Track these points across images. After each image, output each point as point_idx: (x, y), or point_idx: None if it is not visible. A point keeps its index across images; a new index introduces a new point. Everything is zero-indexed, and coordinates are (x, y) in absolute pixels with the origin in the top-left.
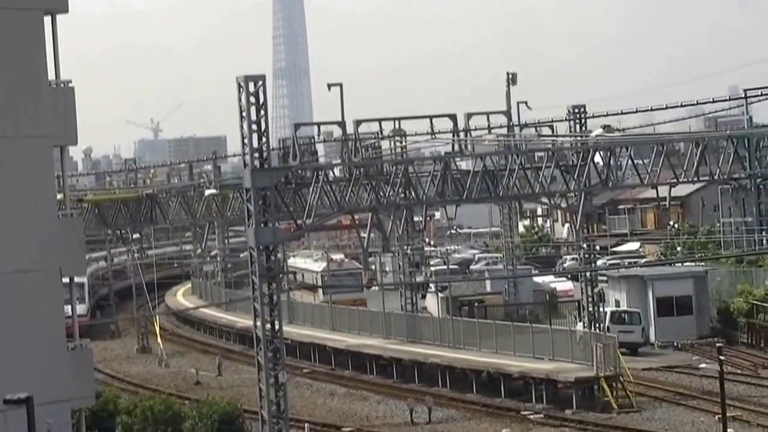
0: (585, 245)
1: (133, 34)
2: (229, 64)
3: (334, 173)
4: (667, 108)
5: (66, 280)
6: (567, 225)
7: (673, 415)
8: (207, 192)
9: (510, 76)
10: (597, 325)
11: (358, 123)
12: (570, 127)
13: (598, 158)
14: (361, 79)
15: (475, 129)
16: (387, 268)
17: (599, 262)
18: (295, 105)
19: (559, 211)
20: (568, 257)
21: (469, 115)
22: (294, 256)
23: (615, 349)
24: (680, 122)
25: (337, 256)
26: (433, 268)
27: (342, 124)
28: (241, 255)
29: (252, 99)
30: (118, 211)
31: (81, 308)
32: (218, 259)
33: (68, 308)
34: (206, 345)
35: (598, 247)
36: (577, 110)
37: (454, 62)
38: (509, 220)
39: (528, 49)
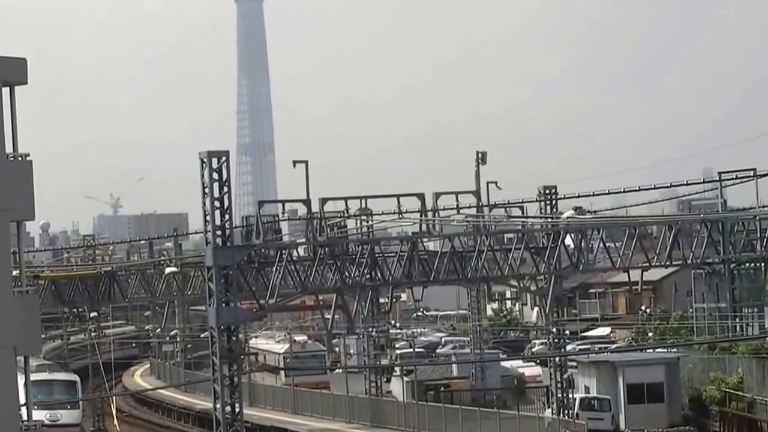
0: (554, 329)
1: (95, 107)
2: (192, 139)
3: (298, 252)
4: (639, 190)
5: (67, 377)
6: (536, 308)
7: None
8: (167, 270)
9: (479, 155)
10: (566, 411)
11: (323, 201)
12: (540, 209)
13: (568, 240)
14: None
15: (444, 209)
16: (351, 351)
17: (569, 347)
18: (259, 182)
19: (528, 294)
20: (537, 342)
21: (437, 195)
22: (256, 336)
23: None
24: (653, 205)
25: (301, 338)
26: (398, 351)
27: (307, 201)
28: (201, 335)
29: (215, 175)
30: (76, 288)
31: (73, 415)
32: (178, 339)
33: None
34: (164, 427)
35: (567, 332)
36: (548, 191)
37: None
38: (477, 303)
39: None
